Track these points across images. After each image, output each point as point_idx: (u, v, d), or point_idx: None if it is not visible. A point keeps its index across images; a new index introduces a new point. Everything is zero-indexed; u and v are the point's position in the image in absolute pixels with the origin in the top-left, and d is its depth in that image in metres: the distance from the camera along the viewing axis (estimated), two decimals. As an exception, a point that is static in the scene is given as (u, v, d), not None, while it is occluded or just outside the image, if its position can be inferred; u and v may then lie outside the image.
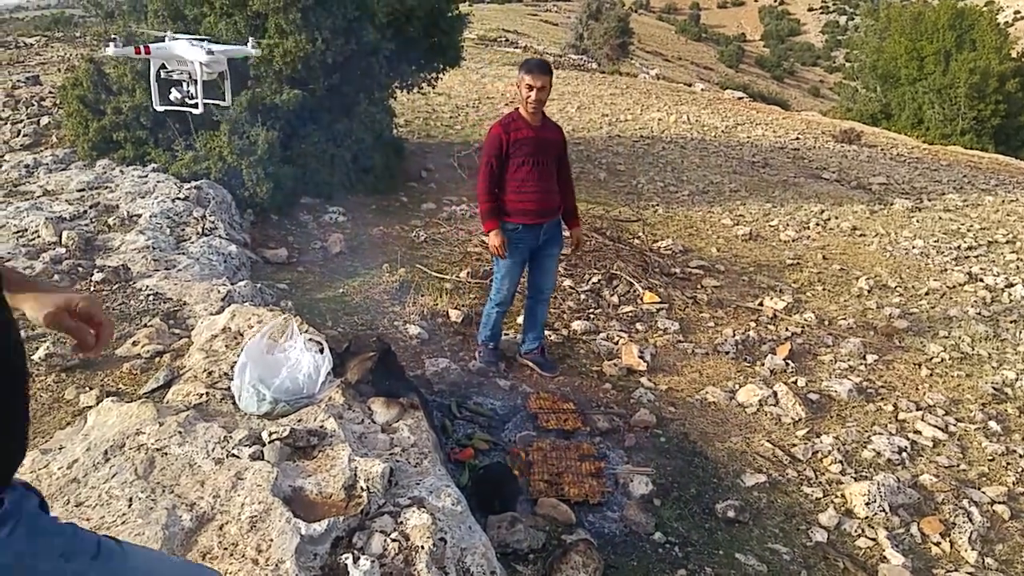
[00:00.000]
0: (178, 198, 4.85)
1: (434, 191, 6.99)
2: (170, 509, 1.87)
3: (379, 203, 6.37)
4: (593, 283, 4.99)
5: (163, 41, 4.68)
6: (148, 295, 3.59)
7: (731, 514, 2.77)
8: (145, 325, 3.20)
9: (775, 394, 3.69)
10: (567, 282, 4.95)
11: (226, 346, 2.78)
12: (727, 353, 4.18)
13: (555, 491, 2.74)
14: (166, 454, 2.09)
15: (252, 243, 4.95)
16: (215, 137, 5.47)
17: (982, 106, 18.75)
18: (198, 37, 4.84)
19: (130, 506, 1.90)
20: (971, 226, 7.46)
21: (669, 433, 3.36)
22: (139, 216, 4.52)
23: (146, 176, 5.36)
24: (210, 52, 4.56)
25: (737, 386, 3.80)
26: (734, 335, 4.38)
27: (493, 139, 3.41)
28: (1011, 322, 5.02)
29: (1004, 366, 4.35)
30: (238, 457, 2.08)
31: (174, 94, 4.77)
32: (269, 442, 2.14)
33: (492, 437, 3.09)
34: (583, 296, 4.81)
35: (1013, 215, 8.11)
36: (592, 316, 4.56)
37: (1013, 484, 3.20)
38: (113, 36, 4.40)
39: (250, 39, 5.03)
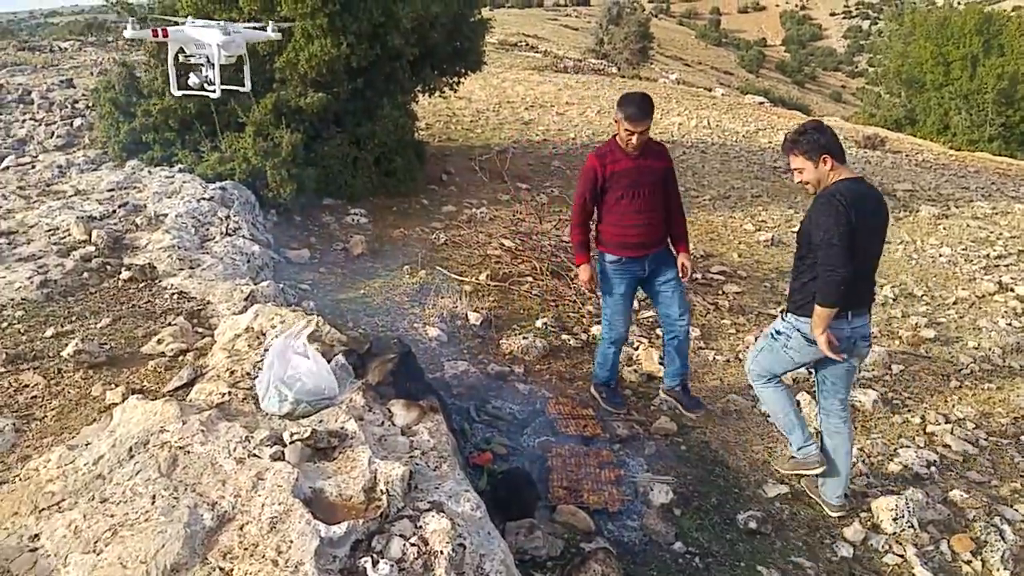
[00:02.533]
0: (203, 198, 4.92)
1: (455, 194, 7.01)
2: (192, 507, 1.88)
3: (400, 205, 6.40)
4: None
5: (181, 25, 4.66)
6: (173, 294, 3.64)
7: (753, 525, 2.73)
8: (170, 323, 3.24)
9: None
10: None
11: (248, 346, 2.80)
12: (749, 361, 4.12)
13: (574, 498, 2.72)
14: (189, 452, 2.10)
15: (275, 243, 4.99)
16: (240, 139, 5.54)
17: (1011, 112, 18.38)
18: (215, 22, 4.80)
19: (153, 503, 1.91)
20: (1001, 234, 7.28)
21: (690, 441, 3.32)
22: (165, 216, 4.59)
23: (173, 177, 5.44)
24: (227, 32, 4.51)
25: (759, 395, 3.74)
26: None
27: (588, 172, 3.24)
28: (1043, 334, 4.89)
29: (1036, 379, 4.23)
30: (259, 457, 2.09)
31: (192, 79, 4.76)
32: (290, 443, 2.14)
33: (511, 442, 3.08)
34: (603, 301, 4.77)
35: (1045, 224, 7.91)
36: (612, 321, 4.52)
37: (1046, 501, 3.11)
38: (131, 17, 4.37)
39: (270, 23, 5.01)
